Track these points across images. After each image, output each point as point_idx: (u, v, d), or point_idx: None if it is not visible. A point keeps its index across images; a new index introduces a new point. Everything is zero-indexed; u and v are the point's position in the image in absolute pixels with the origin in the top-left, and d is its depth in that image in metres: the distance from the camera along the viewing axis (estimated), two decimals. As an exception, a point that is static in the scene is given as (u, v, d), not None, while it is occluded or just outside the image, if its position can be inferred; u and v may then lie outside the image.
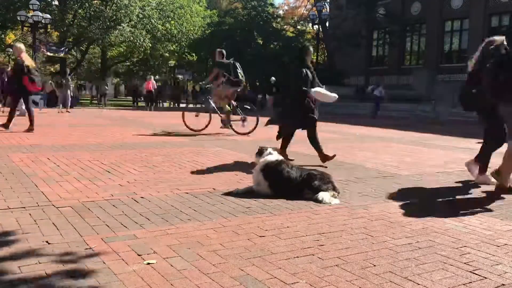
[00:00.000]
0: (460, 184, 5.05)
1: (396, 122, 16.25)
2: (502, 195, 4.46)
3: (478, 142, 6.03)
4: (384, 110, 23.56)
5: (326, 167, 5.74)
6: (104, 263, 2.49)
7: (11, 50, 39.09)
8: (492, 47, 4.90)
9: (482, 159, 5.11)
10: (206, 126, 10.15)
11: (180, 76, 43.89)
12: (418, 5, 32.03)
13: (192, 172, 5.30)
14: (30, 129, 9.32)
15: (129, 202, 3.82)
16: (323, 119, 16.35)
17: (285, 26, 41.65)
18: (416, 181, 5.15)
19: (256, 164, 4.40)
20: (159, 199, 3.96)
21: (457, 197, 4.45)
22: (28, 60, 9.49)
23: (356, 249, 2.83)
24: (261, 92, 28.50)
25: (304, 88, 6.04)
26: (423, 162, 6.63)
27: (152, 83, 24.88)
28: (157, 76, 49.83)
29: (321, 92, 6.15)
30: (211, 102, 10.33)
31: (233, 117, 10.08)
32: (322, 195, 4.00)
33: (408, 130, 12.87)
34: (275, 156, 4.32)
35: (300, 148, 7.74)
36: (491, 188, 4.80)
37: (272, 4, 39.25)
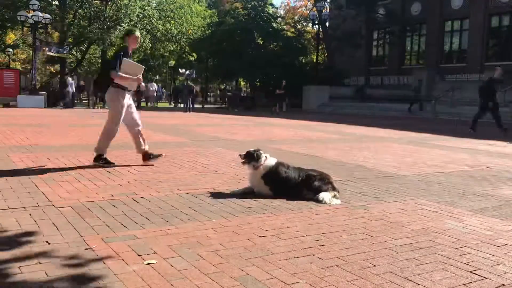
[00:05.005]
0: (460, 184, 5.05)
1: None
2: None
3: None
4: (384, 110, 23.57)
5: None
6: (104, 263, 2.49)
7: (11, 50, 39.03)
8: None
9: None
10: None
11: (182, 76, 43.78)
12: (418, 5, 32.04)
13: (192, 172, 5.30)
14: None
15: (129, 202, 3.82)
16: (323, 119, 16.41)
17: (285, 26, 41.63)
18: (416, 181, 5.15)
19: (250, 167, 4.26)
20: (159, 199, 3.96)
21: (456, 197, 4.44)
22: None
23: (356, 249, 2.83)
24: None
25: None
26: (423, 162, 6.63)
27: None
28: (157, 77, 49.83)
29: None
30: None
31: None
32: (323, 195, 4.00)
33: (408, 130, 12.87)
34: (272, 160, 4.27)
35: (299, 148, 7.74)
36: (485, 191, 4.80)
37: (272, 4, 39.24)
